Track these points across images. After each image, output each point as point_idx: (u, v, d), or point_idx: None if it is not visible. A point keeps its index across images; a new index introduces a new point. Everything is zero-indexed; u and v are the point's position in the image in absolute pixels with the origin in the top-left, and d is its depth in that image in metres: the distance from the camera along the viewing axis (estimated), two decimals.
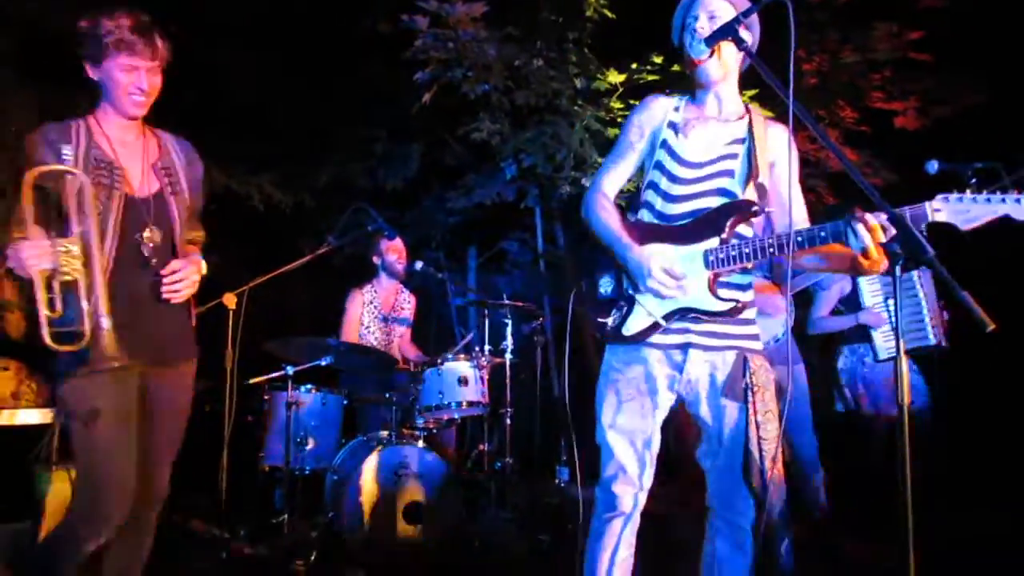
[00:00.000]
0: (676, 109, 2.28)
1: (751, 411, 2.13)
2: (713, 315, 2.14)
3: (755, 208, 2.18)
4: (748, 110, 2.28)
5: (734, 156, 2.22)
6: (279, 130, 6.65)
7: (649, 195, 2.28)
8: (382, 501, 3.55)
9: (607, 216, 2.23)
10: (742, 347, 2.18)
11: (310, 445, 3.94)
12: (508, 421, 4.15)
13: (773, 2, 2.10)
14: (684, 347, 2.18)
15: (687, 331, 2.17)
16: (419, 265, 4.52)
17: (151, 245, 2.24)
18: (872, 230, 1.89)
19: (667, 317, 2.16)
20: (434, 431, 4.10)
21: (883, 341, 3.83)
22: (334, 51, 6.16)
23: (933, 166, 3.13)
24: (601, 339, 2.26)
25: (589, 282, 2.31)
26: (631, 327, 2.19)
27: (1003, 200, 2.03)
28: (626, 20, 5.17)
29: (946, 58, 5.63)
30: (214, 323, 3.86)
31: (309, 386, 4.01)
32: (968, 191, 2.07)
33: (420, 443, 3.73)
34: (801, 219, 2.18)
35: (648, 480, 2.23)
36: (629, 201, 3.27)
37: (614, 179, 2.32)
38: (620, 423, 2.20)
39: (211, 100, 6.34)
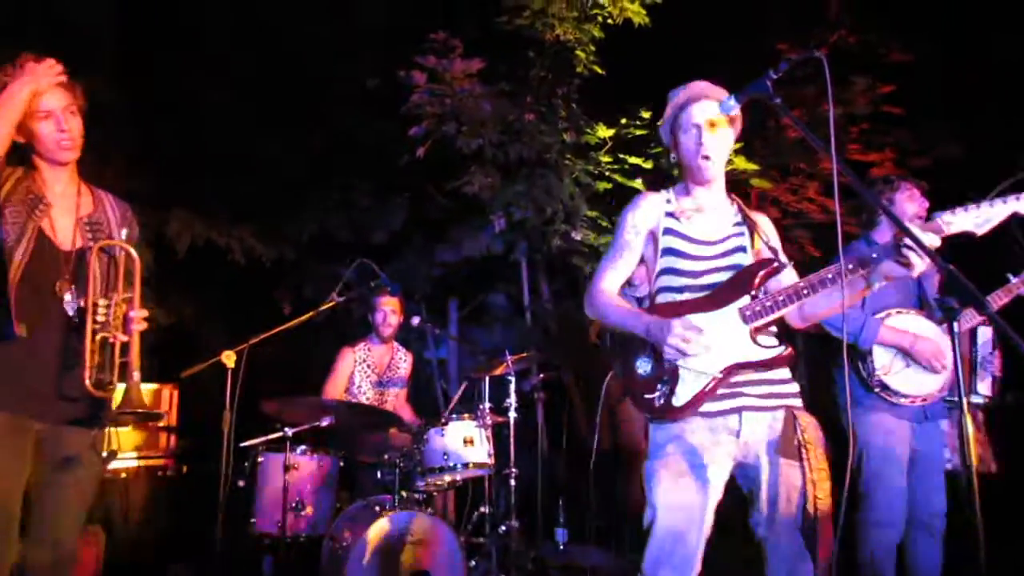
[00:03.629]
0: (668, 202, 2.35)
1: (807, 469, 2.11)
2: (765, 365, 2.15)
3: (776, 264, 2.24)
4: (732, 198, 2.40)
5: (741, 234, 2.32)
6: (262, 181, 6.57)
7: (666, 280, 2.30)
8: (386, 570, 3.38)
9: (616, 303, 2.29)
10: (790, 405, 2.20)
11: (305, 510, 3.77)
12: (512, 482, 4.03)
13: (807, 59, 2.15)
14: (738, 411, 2.17)
15: (740, 395, 2.16)
16: (416, 320, 4.43)
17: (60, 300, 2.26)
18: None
19: (724, 371, 2.13)
20: (434, 494, 3.96)
21: None
22: (320, 102, 6.14)
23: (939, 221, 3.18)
24: (650, 419, 2.22)
25: (624, 366, 2.26)
26: (681, 397, 2.13)
27: (1004, 201, 2.12)
28: (615, 75, 5.25)
29: (921, 111, 5.83)
30: (206, 382, 3.73)
31: (304, 447, 3.85)
32: (972, 203, 2.16)
33: (426, 508, 3.59)
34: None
35: (698, 565, 2.13)
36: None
37: (613, 277, 2.34)
38: (674, 500, 2.12)
39: (195, 149, 6.27)
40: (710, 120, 2.27)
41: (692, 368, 2.13)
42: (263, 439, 3.79)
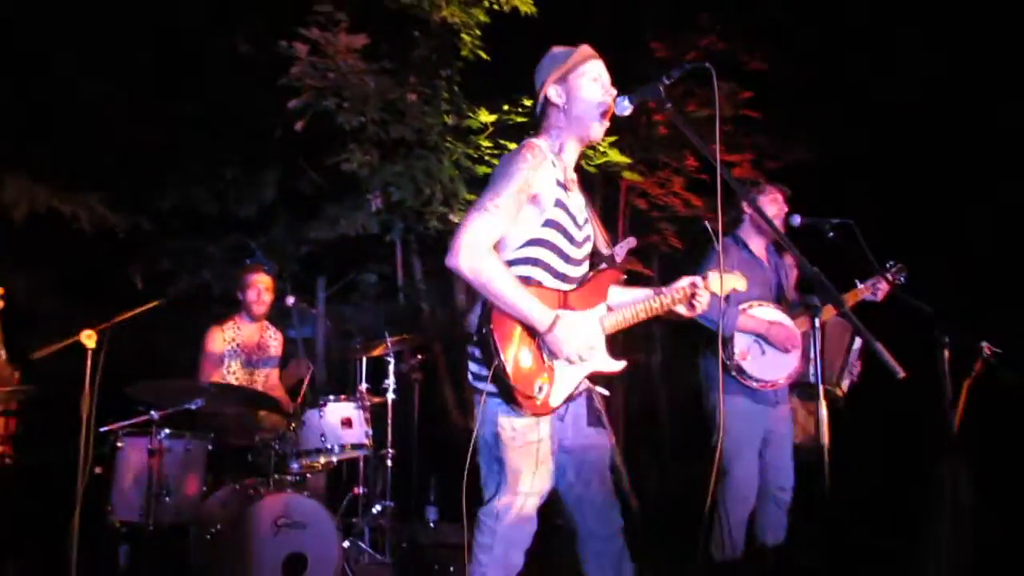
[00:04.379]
0: (554, 165, 2.23)
1: (609, 432, 2.34)
2: (609, 375, 2.30)
3: (623, 276, 2.40)
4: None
5: (588, 221, 2.38)
6: (115, 145, 6.10)
7: (544, 254, 2.20)
8: (261, 555, 3.30)
9: (512, 278, 2.08)
10: (590, 386, 2.35)
11: (170, 496, 3.60)
12: (389, 463, 4.03)
13: (698, 68, 2.28)
14: (568, 400, 2.26)
15: None
16: (291, 300, 4.31)
17: None
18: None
19: (582, 380, 2.25)
20: (308, 476, 3.90)
21: None
22: (186, 65, 5.77)
23: (796, 220, 3.48)
24: (532, 415, 2.15)
25: (501, 357, 2.08)
26: (558, 396, 2.18)
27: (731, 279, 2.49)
28: (499, 62, 5.29)
29: (778, 117, 6.29)
30: (53, 363, 3.45)
31: (168, 431, 3.66)
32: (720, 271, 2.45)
33: (301, 490, 3.53)
34: None
35: None
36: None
37: (497, 234, 2.11)
38: (536, 488, 2.19)
39: (36, 103, 5.73)
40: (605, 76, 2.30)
41: (570, 371, 2.20)
42: (126, 423, 3.58)
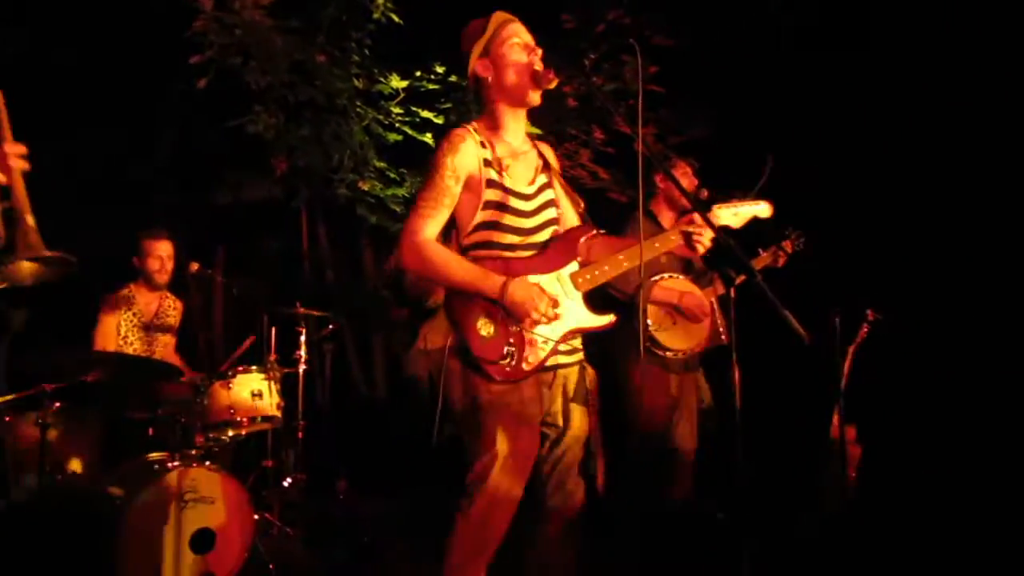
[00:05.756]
0: (483, 145, 2.27)
1: (590, 412, 2.34)
2: (596, 331, 2.29)
3: (595, 232, 2.39)
4: (529, 138, 2.44)
5: (549, 185, 2.40)
6: None
7: (491, 234, 2.27)
8: (166, 531, 3.18)
9: (456, 259, 2.20)
10: (581, 359, 2.37)
11: (63, 473, 3.41)
12: (300, 435, 3.96)
13: (622, 43, 2.32)
14: (555, 368, 2.28)
15: (557, 352, 2.26)
16: (194, 267, 4.13)
17: None
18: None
19: (563, 337, 2.24)
20: (215, 449, 3.78)
21: None
22: (69, 14, 5.35)
23: (703, 194, 3.62)
24: (501, 382, 2.16)
25: (461, 331, 2.17)
26: (531, 361, 2.18)
27: (754, 203, 2.54)
28: (412, 27, 5.18)
29: (680, 93, 6.44)
30: None
31: (61, 404, 3.45)
32: (732, 202, 2.54)
33: (208, 463, 3.42)
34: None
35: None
36: None
37: (435, 227, 2.22)
38: (515, 448, 2.17)
39: None
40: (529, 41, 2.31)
41: (538, 333, 2.20)
42: (11, 397, 3.35)
